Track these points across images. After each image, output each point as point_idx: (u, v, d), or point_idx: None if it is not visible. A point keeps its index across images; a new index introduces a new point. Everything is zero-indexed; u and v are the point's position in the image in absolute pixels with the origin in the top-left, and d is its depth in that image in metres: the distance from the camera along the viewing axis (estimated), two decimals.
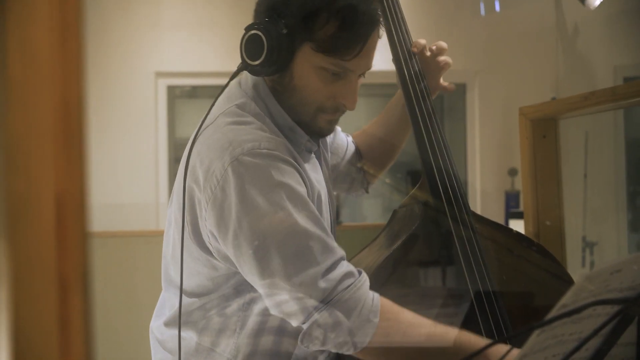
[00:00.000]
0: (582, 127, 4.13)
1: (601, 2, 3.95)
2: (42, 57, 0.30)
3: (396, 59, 1.45)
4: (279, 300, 1.15)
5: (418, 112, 1.43)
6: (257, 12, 1.24)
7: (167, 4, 4.32)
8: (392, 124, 1.61)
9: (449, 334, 1.18)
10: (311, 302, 1.13)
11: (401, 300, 1.29)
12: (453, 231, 1.40)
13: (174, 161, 4.38)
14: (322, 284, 1.12)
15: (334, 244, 1.17)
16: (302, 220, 1.14)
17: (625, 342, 0.82)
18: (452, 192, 1.41)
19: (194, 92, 4.62)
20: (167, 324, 1.31)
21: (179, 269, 1.23)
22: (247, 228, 1.13)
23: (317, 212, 1.18)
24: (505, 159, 4.35)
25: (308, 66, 1.21)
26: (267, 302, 1.17)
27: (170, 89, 4.40)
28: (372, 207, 4.97)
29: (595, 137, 4.22)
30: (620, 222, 4.32)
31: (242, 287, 1.25)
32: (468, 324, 1.39)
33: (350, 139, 1.64)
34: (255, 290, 1.22)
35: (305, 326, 1.14)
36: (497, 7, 4.39)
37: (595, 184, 4.20)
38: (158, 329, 1.34)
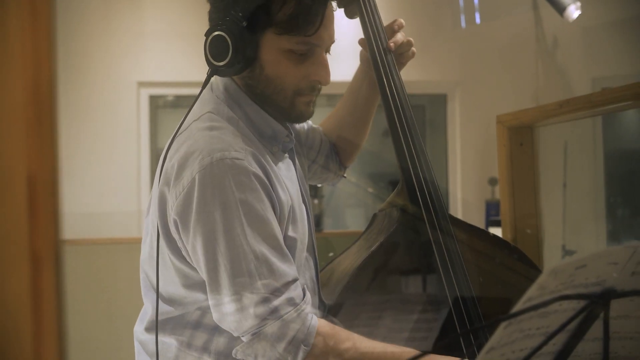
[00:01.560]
0: (561, 137, 4.18)
1: (579, 15, 4.01)
2: (12, 39, 0.32)
3: (373, 61, 1.47)
4: (221, 313, 1.18)
5: (397, 120, 1.45)
6: (213, 16, 1.27)
7: (150, 15, 4.34)
8: (359, 103, 1.60)
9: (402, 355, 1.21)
10: (247, 324, 1.16)
11: (379, 304, 1.31)
12: (430, 235, 1.42)
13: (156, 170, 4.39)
14: (258, 309, 1.15)
15: (283, 267, 1.19)
16: (254, 241, 1.17)
17: (592, 337, 0.84)
18: (429, 196, 1.44)
19: (176, 102, 4.63)
20: (147, 329, 1.33)
21: (155, 276, 1.26)
22: (201, 240, 1.17)
23: (275, 232, 1.20)
24: (486, 169, 4.39)
25: (275, 52, 1.24)
26: (212, 311, 1.20)
27: (153, 99, 4.41)
28: (354, 216, 4.99)
29: (575, 147, 4.28)
30: (599, 231, 4.37)
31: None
32: (445, 328, 1.42)
33: (320, 129, 1.64)
34: None
35: (243, 339, 1.18)
36: (478, 20, 4.44)
37: (574, 193, 4.25)
38: (140, 333, 1.35)
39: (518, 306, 0.70)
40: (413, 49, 1.51)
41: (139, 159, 4.32)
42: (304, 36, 1.23)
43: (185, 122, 1.27)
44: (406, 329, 1.41)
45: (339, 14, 1.38)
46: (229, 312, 1.17)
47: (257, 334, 1.16)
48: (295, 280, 1.20)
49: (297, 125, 1.52)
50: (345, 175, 1.69)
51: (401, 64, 1.53)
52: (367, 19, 1.46)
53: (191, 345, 1.28)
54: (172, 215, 1.20)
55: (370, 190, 4.16)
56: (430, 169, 1.47)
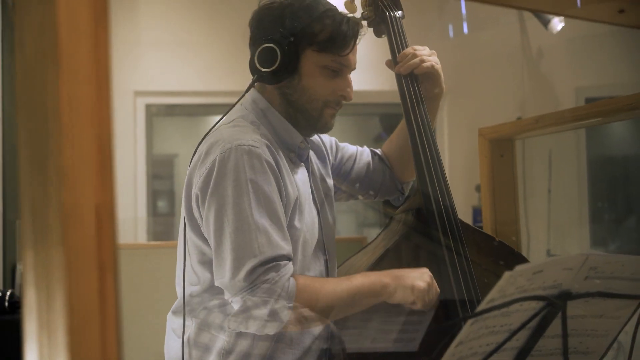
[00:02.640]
0: (546, 145, 4.29)
1: (563, 27, 4.13)
2: (83, 106, 0.43)
3: (397, 80, 1.63)
4: (220, 273, 1.35)
5: (417, 135, 1.59)
6: (258, 29, 1.48)
7: (146, 25, 4.42)
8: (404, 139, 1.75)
9: (358, 280, 1.39)
10: (241, 285, 1.32)
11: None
12: (442, 241, 1.53)
13: (152, 177, 4.47)
14: (250, 274, 1.31)
15: (280, 242, 1.35)
16: (258, 215, 1.34)
17: (552, 334, 0.95)
18: (443, 206, 1.55)
19: (171, 110, 4.72)
20: (174, 312, 1.52)
21: (181, 265, 1.47)
22: (213, 210, 1.36)
23: (278, 212, 1.37)
24: (473, 176, 4.47)
25: (313, 66, 1.46)
26: (214, 270, 1.37)
27: (149, 107, 4.50)
28: (346, 222, 5.10)
29: (559, 155, 4.39)
30: (583, 236, 4.48)
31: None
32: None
33: (365, 149, 1.80)
34: None
35: (233, 303, 1.34)
36: (465, 30, 4.55)
37: (559, 199, 4.36)
38: (170, 317, 1.55)
39: (481, 306, 0.81)
40: (426, 63, 1.63)
41: (135, 166, 4.40)
42: (339, 55, 1.46)
43: (216, 126, 1.48)
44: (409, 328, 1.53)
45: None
46: (226, 272, 1.33)
47: (245, 300, 1.31)
48: (289, 257, 1.36)
49: (331, 149, 1.70)
50: (403, 191, 1.82)
51: (429, 82, 1.66)
52: (393, 39, 1.63)
53: (210, 325, 1.45)
54: (195, 191, 1.39)
55: (360, 197, 4.25)
56: (444, 178, 1.59)
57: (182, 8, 4.43)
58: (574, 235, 4.48)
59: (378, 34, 1.69)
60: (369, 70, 4.22)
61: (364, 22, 1.63)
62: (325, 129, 1.55)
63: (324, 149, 1.68)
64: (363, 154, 1.78)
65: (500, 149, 1.96)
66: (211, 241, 1.38)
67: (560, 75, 4.53)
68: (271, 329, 1.33)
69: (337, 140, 1.76)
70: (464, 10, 4.56)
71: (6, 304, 3.14)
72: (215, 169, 1.36)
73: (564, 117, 1.69)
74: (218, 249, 1.35)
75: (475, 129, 2.02)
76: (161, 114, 4.68)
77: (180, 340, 1.48)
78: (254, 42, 1.48)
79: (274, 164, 1.39)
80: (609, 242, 4.70)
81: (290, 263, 1.36)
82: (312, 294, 1.36)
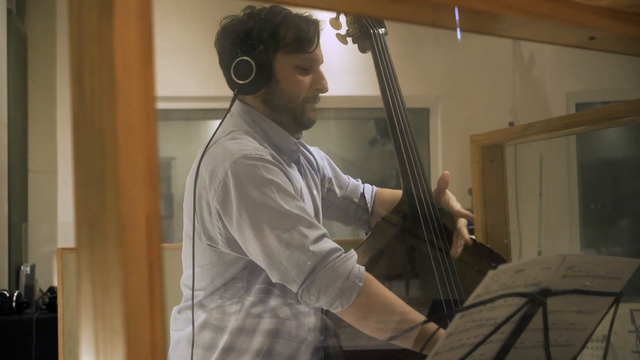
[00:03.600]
0: (537, 149, 4.39)
1: None
2: (136, 133, 0.53)
3: (382, 93, 1.72)
4: (279, 271, 1.41)
5: (402, 145, 1.69)
6: (227, 47, 1.56)
7: None
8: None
9: (417, 318, 1.44)
10: (307, 267, 1.40)
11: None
12: (427, 242, 1.63)
13: None
14: (312, 253, 1.39)
15: (317, 223, 1.45)
16: (289, 207, 1.43)
17: (534, 328, 1.04)
18: (427, 209, 1.65)
19: (169, 115, 4.80)
20: (179, 312, 1.60)
21: (189, 272, 1.54)
22: (246, 216, 1.42)
23: (300, 203, 1.46)
24: (466, 180, 4.56)
25: (286, 68, 1.55)
26: (270, 274, 1.44)
27: None
28: (339, 224, 5.17)
29: (550, 159, 4.48)
30: (573, 238, 4.58)
31: (238, 280, 1.52)
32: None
33: (363, 185, 1.88)
34: (248, 286, 1.50)
35: (303, 288, 1.40)
36: (459, 36, 4.64)
37: (550, 202, 4.45)
38: (174, 316, 1.62)
39: (469, 301, 0.90)
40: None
41: None
42: (307, 53, 1.55)
43: (213, 138, 1.54)
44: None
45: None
46: (287, 267, 1.40)
47: (315, 280, 1.38)
48: (328, 235, 1.45)
49: (322, 165, 1.79)
50: (368, 232, 1.88)
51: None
52: (377, 55, 1.72)
53: (213, 324, 1.53)
54: (213, 205, 1.45)
55: (355, 200, 4.33)
56: (428, 185, 1.69)
57: (180, 16, 4.50)
58: (564, 237, 4.58)
59: (363, 49, 1.78)
60: (364, 76, 4.33)
61: (349, 39, 1.75)
62: (309, 122, 1.62)
63: (314, 160, 1.75)
64: (357, 189, 1.86)
65: (490, 155, 2.05)
66: (253, 248, 1.43)
67: (551, 80, 4.63)
68: (339, 306, 1.40)
69: (329, 158, 1.85)
70: (457, 17, 4.64)
71: (13, 304, 3.23)
72: (232, 181, 1.42)
73: (550, 125, 1.78)
74: (266, 249, 1.41)
75: (467, 133, 2.10)
76: (159, 119, 4.75)
77: (183, 338, 1.56)
78: (225, 60, 1.56)
79: (280, 166, 1.49)
80: (600, 244, 4.80)
81: (354, 250, 1.46)
82: (379, 288, 1.43)
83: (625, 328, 2.95)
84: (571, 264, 0.99)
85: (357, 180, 1.91)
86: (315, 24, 1.58)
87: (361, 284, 1.40)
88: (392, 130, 1.70)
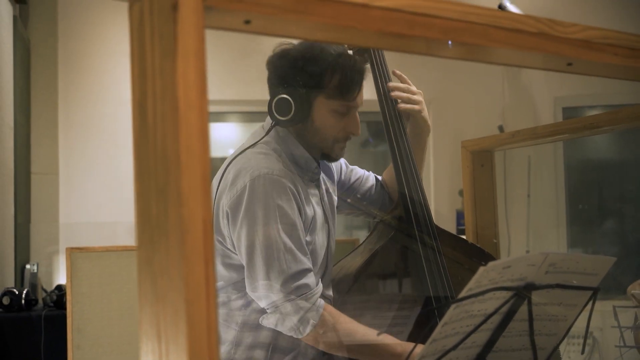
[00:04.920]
0: (525, 153, 4.51)
1: None
2: (194, 151, 0.64)
3: (380, 106, 1.82)
4: (254, 287, 1.56)
5: (397, 151, 1.80)
6: (274, 74, 1.65)
7: None
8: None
9: (379, 339, 1.57)
10: (273, 296, 1.54)
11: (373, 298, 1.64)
12: (419, 243, 1.74)
13: None
14: (283, 288, 1.53)
15: (303, 258, 1.57)
16: (284, 236, 1.55)
17: (520, 318, 1.16)
18: (420, 211, 1.77)
19: None
20: None
21: None
22: (245, 230, 1.55)
23: (299, 233, 1.57)
24: (457, 181, 4.69)
25: (324, 111, 1.64)
26: (247, 284, 1.58)
27: None
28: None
29: (538, 161, 4.61)
30: (560, 238, 4.72)
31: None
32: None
33: (371, 174, 2.00)
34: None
35: (268, 310, 1.55)
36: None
37: (538, 203, 4.58)
38: None
39: (462, 294, 1.02)
40: (413, 105, 1.82)
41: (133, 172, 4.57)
42: (346, 102, 1.64)
43: (241, 147, 1.66)
44: (395, 320, 1.74)
45: None
46: (260, 286, 1.54)
47: (278, 308, 1.53)
48: (310, 269, 1.57)
49: (338, 168, 1.89)
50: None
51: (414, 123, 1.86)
52: (376, 68, 1.82)
53: (226, 319, 1.65)
54: (225, 208, 1.58)
55: (349, 200, 4.44)
56: (422, 189, 1.80)
57: None
58: (551, 237, 4.71)
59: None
60: None
61: (350, 51, 1.74)
62: (336, 159, 1.74)
63: (332, 166, 1.86)
64: (369, 177, 1.98)
65: (480, 159, 2.17)
66: (242, 255, 1.57)
67: (539, 85, 4.74)
68: (297, 334, 1.55)
69: (345, 161, 1.95)
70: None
71: (23, 301, 3.33)
72: (247, 194, 1.54)
73: (536, 132, 1.91)
74: (250, 262, 1.55)
75: (458, 136, 2.22)
76: None
77: None
78: (271, 85, 1.65)
79: (295, 191, 1.59)
80: (587, 244, 4.94)
81: (320, 285, 1.58)
82: (338, 319, 1.57)
83: (609, 324, 3.08)
84: (553, 261, 1.11)
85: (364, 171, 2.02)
86: (360, 73, 1.65)
87: (315, 322, 1.54)
88: (388, 137, 1.82)
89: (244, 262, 1.58)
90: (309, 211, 1.64)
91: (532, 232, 4.52)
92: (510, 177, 4.51)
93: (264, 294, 1.55)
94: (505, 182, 4.47)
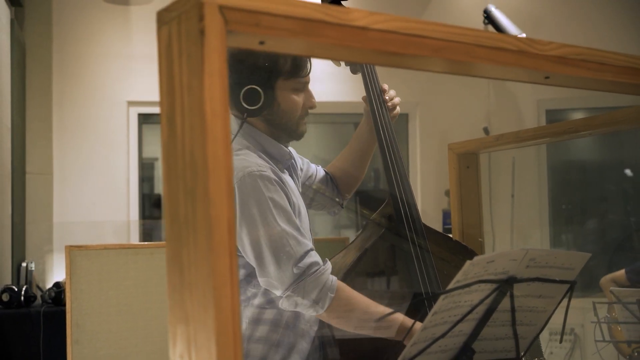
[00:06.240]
0: (510, 154, 4.63)
1: None
2: (220, 158, 0.74)
3: (372, 114, 1.94)
4: (267, 278, 1.64)
5: (388, 156, 1.92)
6: (236, 71, 1.73)
7: (139, 40, 4.65)
8: (362, 146, 2.10)
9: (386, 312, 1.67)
10: (288, 280, 1.62)
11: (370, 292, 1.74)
12: (409, 241, 1.84)
13: (142, 180, 4.75)
14: (295, 270, 1.61)
15: (305, 240, 1.66)
16: (282, 223, 1.63)
17: (503, 309, 1.25)
18: (409, 211, 1.87)
19: (150, 119, 4.95)
20: None
21: None
22: (246, 231, 1.64)
23: (294, 218, 1.67)
24: (443, 181, 4.80)
25: (285, 92, 1.76)
26: (259, 279, 1.66)
27: (141, 116, 4.76)
28: (323, 224, 5.41)
29: (522, 162, 4.72)
30: (543, 236, 4.83)
31: (249, 279, 1.70)
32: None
33: (319, 167, 2.11)
34: (254, 287, 1.69)
35: (285, 295, 1.63)
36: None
37: (521, 203, 4.70)
38: None
39: (450, 285, 1.12)
40: (398, 108, 2.01)
41: (128, 171, 4.66)
42: (301, 78, 1.77)
43: None
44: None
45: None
46: (274, 277, 1.62)
47: (296, 289, 1.61)
48: (313, 249, 1.66)
49: (299, 161, 1.99)
50: (343, 205, 2.14)
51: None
52: (367, 78, 1.95)
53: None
54: None
55: (337, 200, 4.53)
56: (410, 190, 1.91)
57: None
58: (535, 235, 4.82)
59: (354, 71, 2.02)
60: (344, 84, 4.54)
61: (342, 62, 1.94)
62: (302, 135, 1.85)
63: (295, 162, 1.96)
64: (320, 170, 2.10)
65: (466, 161, 2.27)
66: (249, 255, 1.65)
67: (523, 89, 4.85)
68: (318, 309, 1.63)
69: (308, 161, 2.07)
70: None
71: (22, 298, 3.41)
72: (238, 197, 1.63)
73: (519, 136, 2.01)
74: (259, 259, 1.63)
75: (444, 137, 2.33)
76: (153, 122, 4.92)
77: None
78: (233, 83, 1.72)
79: (280, 181, 1.68)
80: (569, 242, 5.06)
81: (328, 261, 1.67)
82: (350, 294, 1.65)
83: (588, 319, 3.20)
84: (533, 257, 1.21)
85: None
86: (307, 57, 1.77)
87: (332, 295, 1.62)
88: (379, 141, 1.92)
89: (252, 262, 1.65)
90: (294, 199, 1.74)
91: (516, 231, 4.63)
92: (495, 178, 4.63)
93: (279, 282, 1.62)
94: (490, 183, 4.58)
